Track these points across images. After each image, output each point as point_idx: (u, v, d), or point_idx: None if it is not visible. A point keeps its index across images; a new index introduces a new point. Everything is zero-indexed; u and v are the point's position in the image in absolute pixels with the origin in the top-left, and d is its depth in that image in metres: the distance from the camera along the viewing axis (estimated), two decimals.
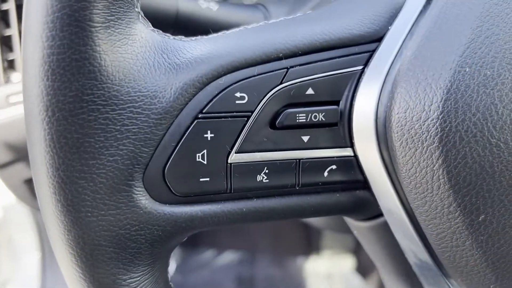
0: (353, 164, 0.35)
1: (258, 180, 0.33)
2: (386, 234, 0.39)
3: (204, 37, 0.33)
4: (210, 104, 0.31)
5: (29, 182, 0.78)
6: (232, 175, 0.32)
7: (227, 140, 0.32)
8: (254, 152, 0.33)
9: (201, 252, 1.22)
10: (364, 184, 0.36)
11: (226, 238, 1.23)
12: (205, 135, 0.31)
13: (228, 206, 0.33)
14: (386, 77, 0.33)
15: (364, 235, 0.43)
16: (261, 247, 1.21)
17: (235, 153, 0.32)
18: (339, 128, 0.34)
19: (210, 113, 0.31)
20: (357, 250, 1.17)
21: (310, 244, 1.20)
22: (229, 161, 0.32)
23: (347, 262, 1.18)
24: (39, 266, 1.02)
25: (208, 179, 0.32)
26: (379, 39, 0.34)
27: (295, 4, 0.52)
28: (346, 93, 0.34)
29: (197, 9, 0.48)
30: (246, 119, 0.32)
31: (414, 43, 0.32)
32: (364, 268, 1.15)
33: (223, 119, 0.31)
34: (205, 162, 0.32)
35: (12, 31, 0.64)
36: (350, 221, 0.44)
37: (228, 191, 0.33)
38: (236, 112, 0.32)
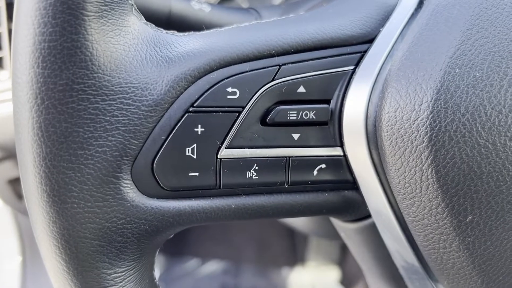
0: (342, 163, 0.35)
1: (247, 176, 0.33)
2: (373, 236, 0.39)
3: (197, 32, 0.33)
4: (202, 98, 0.31)
5: (13, 182, 0.76)
6: (221, 171, 0.32)
7: (218, 135, 0.32)
8: (244, 148, 0.32)
9: (185, 260, 1.21)
10: (352, 184, 0.36)
11: (210, 247, 1.22)
12: (196, 129, 0.31)
13: (217, 202, 0.33)
14: (377, 77, 0.33)
15: (351, 237, 0.43)
16: (245, 257, 1.21)
17: (225, 148, 0.32)
18: (330, 127, 0.34)
19: (201, 107, 0.31)
20: (341, 261, 1.17)
21: (295, 254, 1.20)
22: (219, 156, 0.32)
23: (332, 274, 1.17)
24: (20, 271, 1.00)
25: (197, 174, 0.32)
26: (370, 40, 0.34)
27: (286, 10, 0.53)
28: (337, 92, 0.34)
29: (190, 10, 0.48)
30: (237, 114, 0.32)
31: (405, 44, 0.33)
32: (349, 280, 1.15)
33: (214, 113, 0.31)
34: (194, 157, 0.31)
35: (1, 29, 0.63)
36: (337, 222, 0.43)
37: (217, 187, 0.33)
38: (228, 107, 0.31)
